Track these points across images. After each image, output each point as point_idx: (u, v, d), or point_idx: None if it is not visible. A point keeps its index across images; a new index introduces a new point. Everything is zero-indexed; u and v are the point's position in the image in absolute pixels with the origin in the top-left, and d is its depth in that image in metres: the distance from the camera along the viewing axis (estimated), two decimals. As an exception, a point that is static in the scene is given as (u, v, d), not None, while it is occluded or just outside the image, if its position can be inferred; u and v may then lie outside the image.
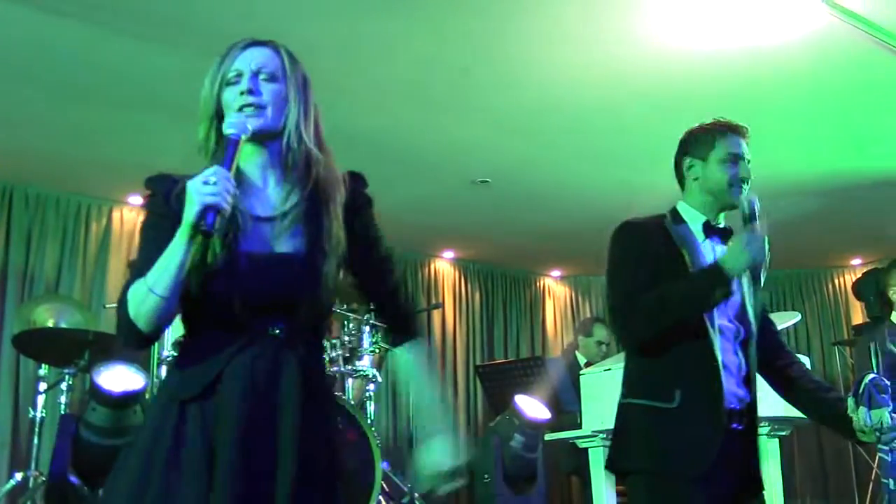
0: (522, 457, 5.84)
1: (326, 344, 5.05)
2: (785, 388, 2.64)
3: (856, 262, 9.11)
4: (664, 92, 5.17)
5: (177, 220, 1.64)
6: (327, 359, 5.12)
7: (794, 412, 2.69)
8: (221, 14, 4.30)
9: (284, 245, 1.77)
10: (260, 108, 1.77)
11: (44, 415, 5.04)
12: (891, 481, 4.03)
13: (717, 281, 2.35)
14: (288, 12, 4.30)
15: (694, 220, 2.56)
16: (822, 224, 7.68)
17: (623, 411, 2.51)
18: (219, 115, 1.79)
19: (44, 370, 5.11)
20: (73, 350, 4.79)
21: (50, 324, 5.24)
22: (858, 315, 8.83)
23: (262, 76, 1.79)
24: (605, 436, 4.59)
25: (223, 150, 1.70)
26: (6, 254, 6.27)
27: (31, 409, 5.17)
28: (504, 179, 6.55)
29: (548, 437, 5.59)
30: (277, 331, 1.73)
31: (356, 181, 1.93)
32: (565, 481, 7.68)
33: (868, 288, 7.83)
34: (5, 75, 4.84)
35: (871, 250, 8.77)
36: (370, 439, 4.79)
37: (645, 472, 2.41)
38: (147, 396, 4.23)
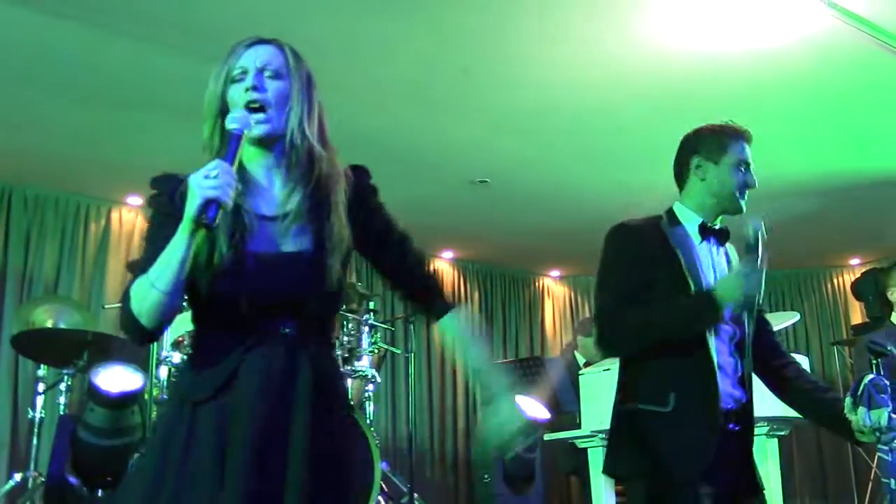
0: (522, 457, 5.85)
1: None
2: (782, 388, 2.63)
3: (854, 261, 9.12)
4: (664, 93, 5.17)
5: (182, 219, 1.64)
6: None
7: (793, 412, 2.69)
8: (221, 15, 4.30)
9: (290, 244, 1.77)
10: (265, 104, 1.77)
11: (43, 415, 5.04)
12: (892, 481, 4.03)
13: (707, 309, 2.34)
14: (288, 13, 4.30)
15: (690, 221, 2.55)
16: (821, 224, 7.68)
17: (618, 416, 2.50)
18: (223, 114, 1.79)
19: (43, 371, 5.11)
20: (72, 350, 4.79)
21: (49, 324, 5.24)
22: (857, 315, 8.83)
23: (266, 73, 1.80)
24: (604, 436, 4.58)
25: (225, 148, 1.70)
26: (5, 254, 6.27)
27: (30, 410, 5.17)
28: (503, 179, 6.55)
29: (547, 437, 5.59)
30: (287, 330, 1.74)
31: (359, 174, 1.93)
32: (564, 481, 7.68)
33: (867, 288, 7.84)
34: (5, 76, 4.84)
35: (870, 250, 8.78)
36: (369, 439, 4.79)
37: (643, 476, 2.41)
38: (146, 397, 4.23)
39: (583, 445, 4.88)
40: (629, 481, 2.48)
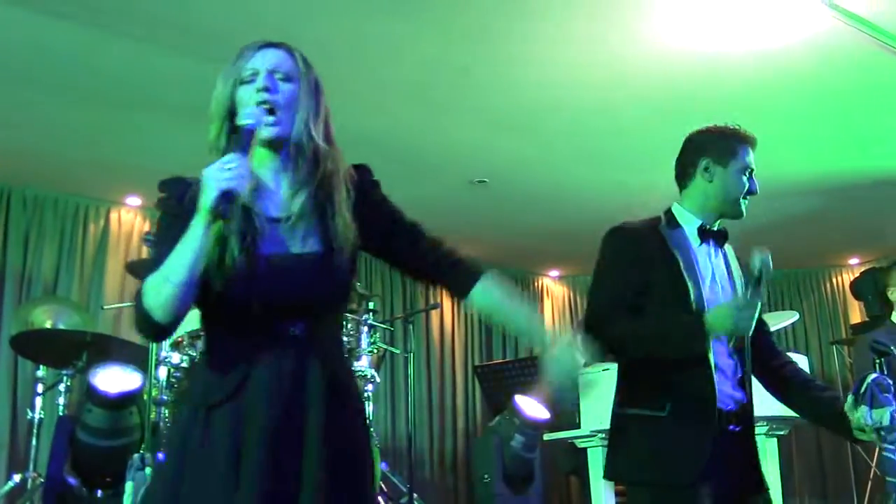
0: (522, 457, 5.85)
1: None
2: (780, 388, 2.63)
3: (853, 261, 9.12)
4: (664, 93, 5.17)
5: (191, 219, 1.66)
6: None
7: (792, 412, 2.69)
8: (220, 16, 4.29)
9: (299, 245, 1.78)
10: (275, 106, 1.78)
11: (42, 416, 5.03)
12: (896, 479, 4.01)
13: (695, 337, 2.33)
14: (290, 14, 4.30)
15: (689, 223, 2.54)
16: (820, 223, 7.68)
17: (617, 421, 2.50)
18: (231, 115, 1.81)
19: (42, 371, 5.10)
20: (71, 351, 4.78)
21: (48, 325, 5.24)
22: (857, 314, 8.84)
23: (277, 76, 1.81)
24: (603, 435, 4.59)
25: (238, 143, 1.71)
26: (4, 255, 6.26)
27: (29, 411, 5.16)
28: (502, 180, 6.55)
29: (547, 436, 5.59)
30: (297, 331, 1.75)
31: (360, 172, 1.94)
32: (564, 481, 7.69)
33: (867, 287, 7.84)
34: (4, 76, 4.83)
35: (869, 249, 8.79)
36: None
37: (644, 482, 2.40)
38: (145, 397, 4.22)
39: (582, 445, 4.89)
40: (630, 486, 2.48)
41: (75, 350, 4.77)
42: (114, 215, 6.82)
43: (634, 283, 2.43)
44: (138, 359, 4.43)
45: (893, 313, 4.50)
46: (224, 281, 1.69)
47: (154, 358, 4.11)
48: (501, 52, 4.75)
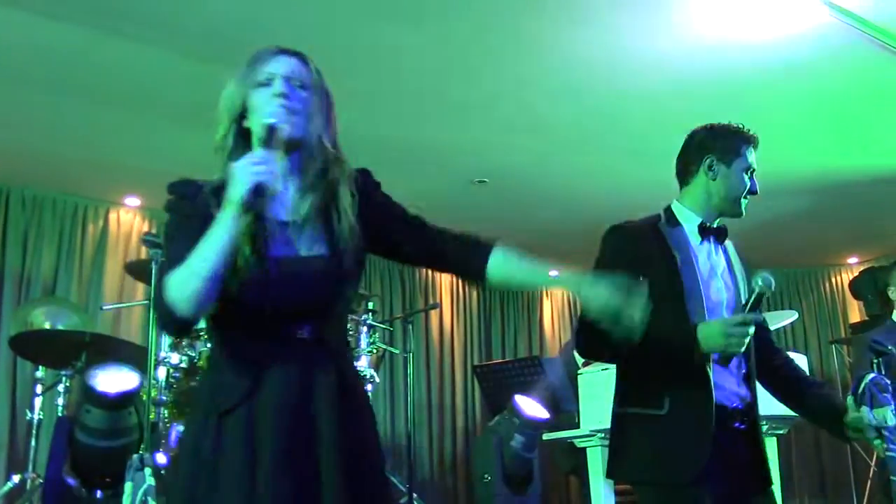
0: (522, 456, 5.85)
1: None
2: (777, 386, 2.63)
3: (852, 260, 9.13)
4: (666, 93, 5.16)
5: (204, 220, 1.69)
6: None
7: (792, 411, 2.69)
8: (220, 17, 4.29)
9: (307, 248, 1.80)
10: (293, 111, 1.80)
11: (41, 417, 5.02)
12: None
13: (685, 350, 2.32)
14: (289, 15, 4.29)
15: (689, 221, 2.54)
16: (819, 222, 7.68)
17: (617, 420, 2.50)
18: (240, 116, 1.83)
19: (41, 372, 5.09)
20: (70, 352, 4.78)
21: (47, 326, 5.23)
22: (856, 313, 8.85)
23: (294, 82, 1.83)
24: (602, 435, 4.59)
25: (262, 141, 1.73)
26: (3, 255, 6.26)
27: (28, 411, 5.16)
28: (502, 180, 6.55)
29: (546, 436, 5.59)
30: (305, 334, 1.77)
31: (363, 175, 1.96)
32: (563, 481, 7.68)
33: (866, 286, 7.85)
34: (3, 77, 4.83)
35: (868, 248, 8.79)
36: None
37: (647, 482, 2.40)
38: (144, 398, 4.21)
39: (581, 445, 4.88)
40: (636, 486, 2.48)
41: (74, 350, 4.76)
42: (113, 216, 6.82)
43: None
44: (137, 359, 4.42)
45: (894, 312, 4.50)
46: (238, 284, 1.70)
47: (153, 358, 4.11)
48: (501, 51, 4.74)
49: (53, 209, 6.54)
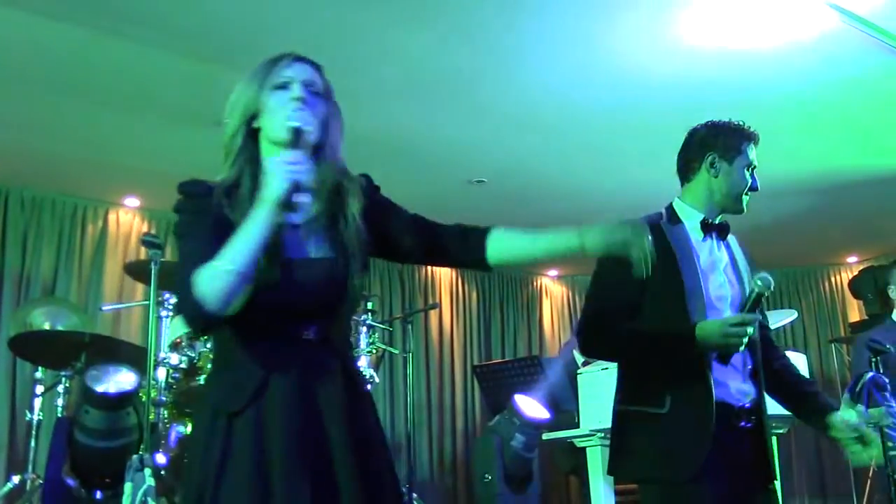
0: (522, 456, 5.85)
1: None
2: (775, 386, 2.64)
3: (852, 259, 9.12)
4: (666, 93, 5.17)
5: (217, 219, 1.75)
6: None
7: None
8: (219, 17, 4.29)
9: (315, 250, 1.83)
10: (314, 116, 1.84)
11: (41, 417, 5.02)
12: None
13: (684, 348, 2.33)
14: (288, 14, 4.29)
15: (690, 218, 2.55)
16: (819, 221, 7.69)
17: (618, 418, 2.50)
18: (253, 117, 1.86)
19: (40, 373, 5.09)
20: (69, 352, 4.77)
21: (46, 326, 5.22)
22: (855, 312, 8.84)
23: (311, 89, 1.87)
24: (602, 435, 4.59)
25: (292, 143, 1.77)
26: (2, 256, 6.26)
27: (27, 412, 5.15)
28: (500, 179, 6.55)
29: (546, 436, 5.59)
30: (311, 334, 1.79)
31: (364, 179, 1.98)
32: (563, 481, 7.68)
33: (866, 285, 7.85)
34: (2, 77, 4.83)
35: (868, 248, 8.79)
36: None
37: (648, 480, 2.41)
38: (144, 398, 4.21)
39: (581, 445, 4.88)
40: (638, 484, 2.48)
41: (74, 351, 4.75)
42: (112, 216, 6.82)
43: (632, 283, 2.43)
44: (137, 360, 4.42)
45: (894, 312, 4.50)
46: (256, 285, 1.72)
47: (153, 359, 4.10)
48: (501, 51, 4.75)
49: (53, 210, 6.54)
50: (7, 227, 6.31)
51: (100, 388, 4.24)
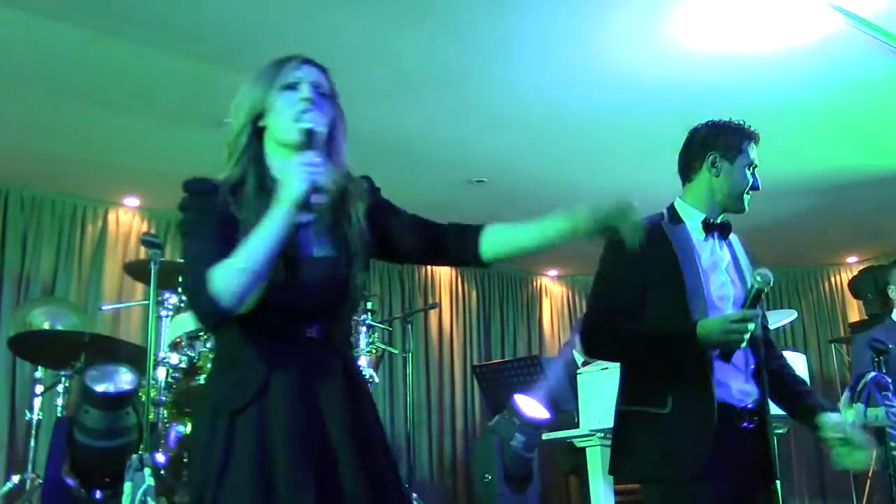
0: (522, 456, 5.85)
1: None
2: (772, 387, 2.64)
3: (852, 259, 9.12)
4: (666, 93, 5.17)
5: (223, 217, 1.76)
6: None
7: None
8: (218, 18, 4.29)
9: (319, 249, 1.85)
10: (324, 117, 1.86)
11: (40, 417, 5.02)
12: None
13: (686, 347, 2.33)
14: (288, 16, 4.29)
15: (692, 218, 2.55)
16: (819, 221, 7.68)
17: (620, 418, 2.50)
18: (259, 116, 1.87)
19: (40, 372, 5.09)
20: (69, 352, 4.77)
21: (46, 326, 5.22)
22: (855, 312, 8.84)
23: (319, 90, 1.88)
24: (602, 435, 4.59)
25: (305, 144, 1.78)
26: (2, 256, 6.26)
27: (27, 412, 5.15)
28: (500, 179, 6.55)
29: (545, 436, 5.59)
30: (314, 333, 1.81)
31: (365, 181, 2.00)
32: (563, 480, 7.68)
33: (866, 285, 7.84)
34: (2, 77, 4.83)
35: (868, 248, 8.79)
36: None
37: (650, 480, 2.41)
38: (143, 398, 4.21)
39: (581, 445, 4.88)
40: (641, 484, 2.48)
41: (73, 351, 4.75)
42: (112, 216, 6.82)
43: (634, 283, 2.43)
44: (136, 359, 4.42)
45: (894, 311, 4.50)
46: (268, 284, 1.73)
47: (152, 359, 4.10)
48: (497, 51, 4.75)
49: (52, 209, 6.54)
50: (7, 227, 6.31)
51: (99, 388, 4.24)
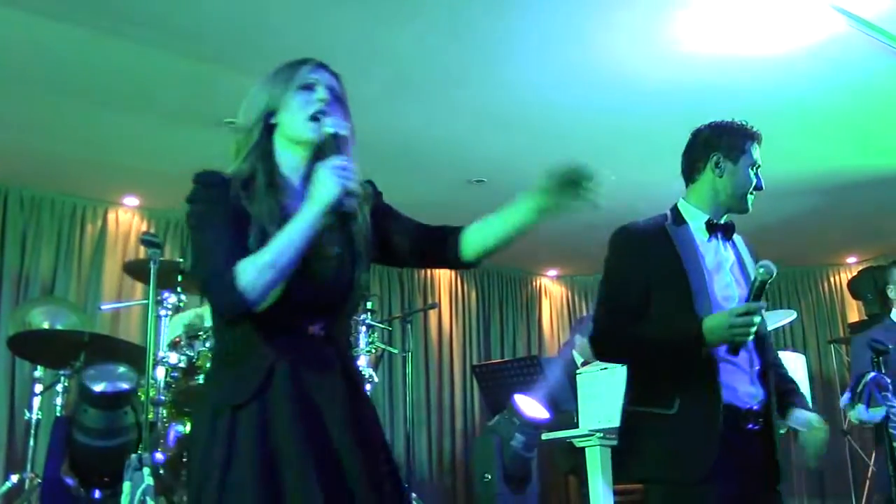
0: (522, 456, 5.85)
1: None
2: None
3: (851, 259, 9.12)
4: (666, 94, 5.17)
5: (234, 210, 1.78)
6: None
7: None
8: (219, 18, 4.29)
9: (327, 247, 1.85)
10: (342, 121, 1.89)
11: (40, 416, 5.02)
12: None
13: (693, 346, 2.34)
14: (288, 16, 4.29)
15: (695, 218, 2.55)
16: (818, 222, 7.68)
17: (627, 418, 2.51)
18: (271, 115, 1.89)
19: (39, 372, 5.09)
20: (68, 352, 4.77)
21: (45, 326, 5.22)
22: (854, 313, 8.84)
23: (333, 93, 1.92)
24: (602, 435, 4.59)
25: (329, 146, 1.82)
26: (1, 256, 6.26)
27: (26, 411, 5.15)
28: (500, 179, 6.54)
29: (545, 436, 5.58)
30: (316, 330, 1.83)
31: (368, 184, 2.02)
32: (562, 480, 7.68)
33: (866, 286, 7.84)
34: (2, 77, 4.83)
35: (867, 248, 8.78)
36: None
37: (655, 481, 2.41)
38: (143, 398, 4.21)
39: (580, 445, 4.87)
40: (644, 484, 2.48)
41: (73, 350, 4.75)
42: (111, 216, 6.82)
43: (639, 284, 2.44)
44: (136, 359, 4.42)
45: (893, 311, 4.50)
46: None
47: (152, 358, 4.10)
48: (501, 51, 4.75)
49: (52, 209, 6.54)
50: (6, 227, 6.31)
51: (98, 388, 4.24)
